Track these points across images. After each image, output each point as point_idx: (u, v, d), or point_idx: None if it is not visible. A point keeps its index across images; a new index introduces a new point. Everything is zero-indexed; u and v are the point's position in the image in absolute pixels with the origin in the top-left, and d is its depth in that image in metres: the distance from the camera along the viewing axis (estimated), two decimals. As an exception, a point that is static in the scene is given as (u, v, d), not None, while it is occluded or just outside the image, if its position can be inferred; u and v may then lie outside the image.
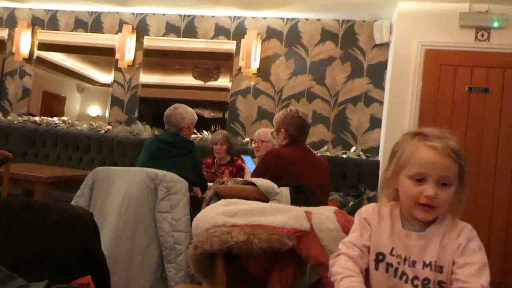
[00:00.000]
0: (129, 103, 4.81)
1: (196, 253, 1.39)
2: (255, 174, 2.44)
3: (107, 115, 4.87)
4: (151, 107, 4.80)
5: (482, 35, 3.66)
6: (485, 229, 3.48)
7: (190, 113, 2.85)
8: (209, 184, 2.75)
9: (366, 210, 1.19)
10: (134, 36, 4.76)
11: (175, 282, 2.21)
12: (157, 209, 2.24)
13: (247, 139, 4.38)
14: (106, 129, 4.68)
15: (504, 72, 3.66)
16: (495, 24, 3.60)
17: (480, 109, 3.68)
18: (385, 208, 1.17)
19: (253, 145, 3.66)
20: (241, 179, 2.23)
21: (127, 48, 4.72)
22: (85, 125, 4.75)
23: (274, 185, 2.04)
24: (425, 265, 1.07)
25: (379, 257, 1.12)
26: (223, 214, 1.44)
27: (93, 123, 4.74)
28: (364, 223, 1.16)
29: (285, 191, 2.00)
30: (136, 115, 4.77)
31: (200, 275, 1.45)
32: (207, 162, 3.61)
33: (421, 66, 3.74)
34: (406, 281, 1.08)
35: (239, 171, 3.48)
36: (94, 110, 4.97)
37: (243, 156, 3.41)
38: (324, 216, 1.43)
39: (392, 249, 1.11)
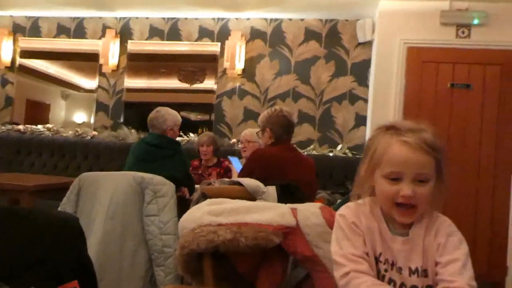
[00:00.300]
0: (114, 108, 4.78)
1: (183, 253, 1.40)
2: (241, 174, 2.45)
3: (92, 121, 4.83)
4: (137, 111, 4.77)
5: (463, 32, 3.72)
6: (470, 224, 3.53)
7: (172, 115, 2.85)
8: (196, 186, 2.76)
9: (349, 213, 1.10)
10: (117, 41, 4.74)
11: (165, 285, 2.20)
12: (145, 212, 2.24)
13: (234, 140, 4.39)
14: (91, 135, 4.64)
15: (485, 68, 3.72)
16: (475, 21, 3.67)
17: (462, 105, 3.73)
18: (363, 207, 1.10)
19: (239, 146, 3.66)
20: (228, 179, 2.24)
21: (111, 53, 4.70)
22: (70, 132, 4.71)
23: (261, 185, 2.05)
24: (411, 271, 1.03)
25: None
26: (209, 213, 1.44)
27: (78, 129, 4.70)
28: (354, 229, 1.07)
29: (271, 190, 2.01)
30: (121, 120, 4.74)
31: (189, 276, 1.45)
32: (194, 164, 3.61)
33: (404, 64, 3.79)
34: None
35: (226, 172, 3.48)
36: (79, 116, 4.93)
37: (230, 157, 3.42)
38: (310, 212, 1.44)
39: (380, 254, 1.06)
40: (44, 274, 1.16)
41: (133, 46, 4.76)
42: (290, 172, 2.38)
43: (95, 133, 4.68)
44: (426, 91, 3.78)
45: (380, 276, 1.04)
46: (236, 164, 3.30)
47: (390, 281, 1.04)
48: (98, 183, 2.32)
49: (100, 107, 4.80)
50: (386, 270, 1.04)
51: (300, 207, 1.48)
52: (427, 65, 3.79)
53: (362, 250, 1.05)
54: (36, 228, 1.27)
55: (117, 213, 2.20)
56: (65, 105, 4.98)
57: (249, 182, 2.07)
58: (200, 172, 3.53)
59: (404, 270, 1.03)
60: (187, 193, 2.71)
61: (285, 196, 2.01)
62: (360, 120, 4.27)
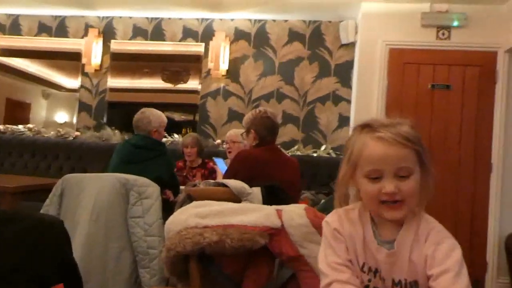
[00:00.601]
0: (97, 108, 4.73)
1: (169, 255, 1.40)
2: (226, 175, 2.45)
3: (75, 121, 4.77)
4: (120, 111, 4.73)
5: (443, 34, 3.79)
6: (451, 221, 3.61)
7: (157, 116, 2.85)
8: (181, 187, 2.75)
9: (334, 220, 1.07)
10: (100, 40, 4.69)
11: (150, 287, 2.20)
12: (129, 214, 2.23)
13: (218, 141, 4.39)
14: (74, 136, 4.59)
15: (465, 69, 3.80)
16: (455, 23, 3.74)
17: (443, 105, 3.81)
18: (353, 213, 1.07)
19: (224, 147, 3.66)
20: (213, 181, 2.25)
21: (93, 52, 4.65)
22: (52, 132, 4.64)
23: (246, 186, 2.06)
24: (394, 283, 1.00)
25: None
26: (195, 216, 1.45)
27: (60, 129, 4.64)
28: (336, 235, 1.05)
29: (256, 191, 2.03)
30: (104, 120, 4.69)
31: (175, 278, 1.46)
32: (179, 166, 3.60)
33: (386, 65, 3.85)
34: None
35: (211, 173, 3.48)
36: (61, 116, 4.86)
37: (214, 159, 3.42)
38: (294, 213, 1.46)
39: (364, 264, 1.03)
40: (28, 278, 1.15)
41: (116, 45, 4.72)
42: (275, 173, 2.40)
43: (77, 133, 4.62)
44: (407, 91, 3.84)
45: (363, 286, 1.02)
46: (221, 165, 3.31)
47: None
48: (82, 185, 2.30)
49: (83, 107, 4.75)
50: (370, 280, 1.02)
51: (285, 208, 1.50)
52: (408, 66, 3.86)
53: (345, 258, 1.03)
54: (20, 231, 1.26)
55: (101, 215, 2.19)
56: (46, 104, 4.91)
57: (234, 184, 2.08)
58: (184, 173, 3.53)
59: (387, 280, 1.01)
60: (171, 196, 2.71)
61: (269, 197, 2.03)
62: (344, 121, 4.32)
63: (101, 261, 2.16)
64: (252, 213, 1.47)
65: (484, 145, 3.75)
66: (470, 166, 3.76)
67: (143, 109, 2.86)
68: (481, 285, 3.60)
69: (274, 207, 1.53)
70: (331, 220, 1.08)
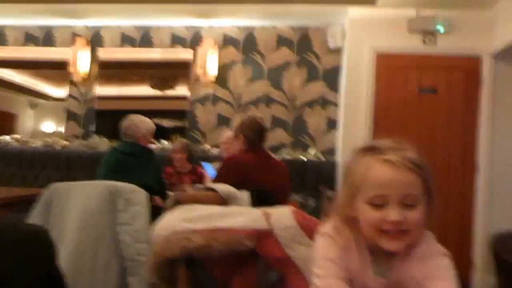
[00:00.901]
0: (86, 117, 4.70)
1: (157, 261, 1.39)
2: (215, 180, 2.45)
3: (63, 130, 4.73)
4: (109, 119, 4.70)
5: (429, 40, 3.84)
6: (439, 222, 3.63)
7: (145, 123, 2.84)
8: (171, 193, 2.74)
9: (329, 227, 0.99)
10: (88, 49, 4.67)
11: (139, 295, 2.17)
12: (118, 221, 2.21)
13: (208, 146, 4.38)
14: (62, 145, 4.55)
15: (451, 73, 3.85)
16: (441, 29, 3.80)
17: (430, 109, 3.85)
18: (347, 232, 0.97)
19: (217, 150, 3.64)
20: (201, 185, 2.24)
21: (81, 61, 4.62)
22: (39, 142, 4.60)
23: (234, 190, 2.06)
24: None
25: None
26: (182, 220, 1.44)
27: (48, 139, 4.59)
28: (330, 241, 0.98)
29: (245, 195, 2.02)
30: (93, 129, 4.66)
31: (163, 284, 1.45)
32: (168, 171, 3.58)
33: (374, 70, 3.88)
34: None
35: (200, 179, 3.47)
36: (49, 126, 4.82)
37: (203, 163, 3.41)
38: (282, 215, 1.46)
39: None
40: None
41: (104, 53, 4.70)
42: (264, 178, 2.40)
43: (66, 142, 4.58)
44: (395, 96, 3.88)
45: None
46: (209, 170, 3.30)
47: None
48: (69, 193, 2.28)
49: (71, 116, 4.71)
50: None
51: (273, 210, 1.50)
52: (395, 71, 3.90)
53: (342, 268, 0.95)
54: (4, 242, 1.24)
55: (89, 223, 2.16)
56: (33, 114, 4.87)
57: (222, 188, 2.07)
58: (174, 179, 3.51)
59: None
60: (160, 202, 2.69)
61: (258, 202, 2.03)
62: (332, 125, 4.34)
63: (90, 270, 2.13)
64: (240, 216, 1.47)
65: (471, 147, 3.79)
66: (457, 168, 3.80)
67: (131, 116, 2.85)
68: (468, 285, 3.62)
69: (261, 209, 1.52)
70: (327, 228, 1.00)
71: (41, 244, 1.25)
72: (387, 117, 3.85)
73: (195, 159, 3.69)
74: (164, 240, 1.39)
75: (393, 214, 0.88)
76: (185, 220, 1.42)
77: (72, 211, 2.23)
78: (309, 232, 1.40)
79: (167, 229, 1.41)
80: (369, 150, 0.94)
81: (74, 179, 4.13)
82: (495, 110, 3.74)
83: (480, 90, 3.79)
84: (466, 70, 3.84)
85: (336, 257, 0.96)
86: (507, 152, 3.69)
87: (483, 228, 3.68)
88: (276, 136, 4.37)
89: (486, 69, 3.76)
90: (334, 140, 4.32)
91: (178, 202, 2.01)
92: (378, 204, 0.89)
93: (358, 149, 0.97)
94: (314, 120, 4.36)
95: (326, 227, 1.01)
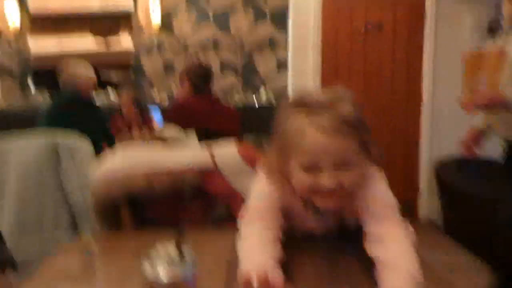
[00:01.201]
0: (22, 74, 4.40)
1: (98, 204, 1.36)
2: (163, 126, 2.40)
3: (-2, 88, 4.43)
4: (48, 76, 4.43)
5: (375, -24, 3.80)
6: (386, 152, 3.80)
7: (83, 69, 2.67)
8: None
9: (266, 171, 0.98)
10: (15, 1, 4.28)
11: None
12: (62, 172, 2.13)
13: (156, 95, 4.26)
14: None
15: (395, 9, 3.87)
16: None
17: (375, 46, 3.89)
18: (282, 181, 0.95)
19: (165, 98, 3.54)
20: (150, 135, 2.18)
21: (8, 15, 4.24)
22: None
23: (181, 133, 2.02)
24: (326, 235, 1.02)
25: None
26: (123, 162, 1.40)
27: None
28: (268, 180, 0.97)
29: (191, 135, 1.99)
30: (31, 86, 4.38)
31: (107, 227, 1.42)
32: (116, 122, 3.46)
33: (320, 9, 3.84)
34: None
35: (150, 128, 3.39)
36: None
37: (150, 107, 3.30)
38: (226, 150, 1.45)
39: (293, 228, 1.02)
40: None
41: (35, 4, 4.32)
42: (211, 122, 2.37)
43: (2, 102, 4.30)
44: (342, 34, 3.88)
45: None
46: (156, 114, 3.22)
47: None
48: (6, 148, 2.16)
49: (5, 74, 4.39)
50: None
51: (216, 146, 1.48)
52: (342, 9, 3.87)
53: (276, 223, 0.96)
54: None
55: (30, 174, 2.07)
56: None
57: (171, 134, 2.04)
58: (122, 128, 3.41)
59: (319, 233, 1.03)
60: (107, 149, 2.62)
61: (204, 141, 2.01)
62: (282, 66, 4.30)
63: (37, 221, 2.07)
64: (183, 154, 1.45)
65: (415, 81, 3.91)
66: (403, 102, 3.93)
67: (68, 62, 2.66)
68: (413, 208, 3.89)
69: (205, 147, 1.50)
70: (268, 184, 0.97)
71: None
72: (335, 56, 3.87)
73: (143, 108, 3.58)
74: (105, 183, 1.35)
75: (327, 181, 0.85)
76: (125, 160, 1.38)
77: (11, 165, 2.13)
78: (254, 165, 1.40)
79: (108, 172, 1.37)
80: (301, 107, 0.87)
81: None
82: (438, 45, 3.83)
83: (424, 25, 3.85)
84: (411, 5, 3.87)
85: (273, 191, 0.96)
86: (449, 86, 3.84)
87: (428, 155, 3.90)
88: (226, 81, 4.30)
89: (429, 4, 3.80)
90: (284, 81, 4.30)
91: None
92: (311, 168, 0.86)
93: (289, 104, 0.91)
94: (264, 62, 4.31)
95: (264, 169, 0.99)
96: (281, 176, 0.93)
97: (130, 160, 1.39)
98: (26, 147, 2.10)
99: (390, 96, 3.91)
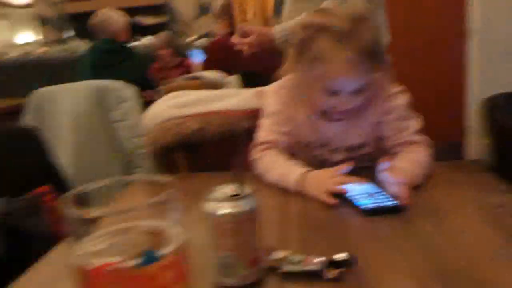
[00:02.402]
0: (59, 21, 4.42)
1: (154, 149, 1.38)
2: (204, 68, 2.38)
3: (37, 38, 4.49)
4: (85, 20, 4.43)
5: None
6: (433, 93, 3.65)
7: (117, 16, 2.66)
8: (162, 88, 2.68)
9: (276, 85, 1.11)
10: None
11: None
12: (111, 119, 2.18)
13: (193, 37, 4.21)
14: (40, 53, 4.34)
15: None
16: None
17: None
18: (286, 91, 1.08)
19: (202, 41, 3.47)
20: (189, 75, 2.18)
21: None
22: (15, 53, 4.38)
23: (223, 75, 2.00)
24: (347, 149, 1.05)
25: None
26: (173, 106, 1.41)
27: (27, 48, 4.37)
28: (274, 97, 1.11)
29: (234, 79, 1.97)
30: (71, 32, 4.41)
31: (164, 171, 1.46)
32: (155, 68, 3.47)
33: None
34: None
35: (189, 70, 3.38)
36: (23, 36, 4.56)
37: (191, 52, 3.27)
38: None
39: (309, 142, 1.09)
40: (12, 184, 1.14)
41: None
42: (252, 59, 2.32)
43: (43, 49, 4.37)
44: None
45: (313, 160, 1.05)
46: (199, 57, 3.17)
47: (324, 161, 1.05)
48: (55, 97, 2.22)
49: (44, 21, 4.43)
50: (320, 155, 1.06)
51: (266, 88, 1.46)
52: None
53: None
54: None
55: (81, 124, 2.13)
56: (3, 25, 4.58)
57: (209, 75, 2.02)
58: (162, 75, 3.41)
59: (339, 149, 1.05)
60: (152, 95, 2.64)
61: (248, 85, 1.98)
62: None
63: (91, 169, 2.16)
64: (232, 98, 1.44)
65: (461, 10, 3.63)
66: (448, 33, 3.68)
67: (101, 11, 2.65)
68: (460, 148, 3.76)
69: (254, 89, 1.48)
70: (272, 100, 1.09)
71: (32, 140, 1.25)
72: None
73: (180, 51, 3.55)
74: (157, 128, 1.36)
75: (344, 105, 0.95)
76: (176, 106, 1.39)
77: (62, 114, 2.19)
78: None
79: (158, 116, 1.38)
80: (323, 31, 0.91)
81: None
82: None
83: None
84: None
85: (278, 110, 1.06)
86: (501, 14, 3.56)
87: (476, 92, 3.70)
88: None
89: None
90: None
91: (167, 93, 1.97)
92: (331, 92, 0.94)
93: (311, 25, 0.94)
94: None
95: (272, 85, 1.11)
96: (295, 92, 1.02)
97: (182, 104, 1.40)
98: (74, 97, 2.15)
99: (435, 28, 3.67)
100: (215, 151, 1.48)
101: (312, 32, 0.93)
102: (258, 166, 1.05)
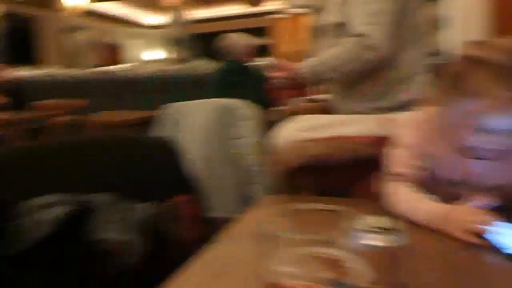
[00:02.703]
0: (186, 41, 4.80)
1: (278, 170, 1.43)
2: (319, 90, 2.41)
3: (165, 56, 4.93)
4: (206, 41, 4.77)
5: None
6: None
7: (242, 40, 2.85)
8: (283, 108, 2.79)
9: (415, 115, 1.12)
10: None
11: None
12: (231, 136, 2.30)
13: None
14: (170, 70, 4.72)
15: None
16: None
17: None
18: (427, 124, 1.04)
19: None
20: (306, 97, 2.21)
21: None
22: (146, 70, 4.84)
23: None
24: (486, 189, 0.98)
25: None
26: (301, 129, 1.44)
27: (156, 65, 4.81)
28: (410, 128, 1.10)
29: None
30: (196, 52, 4.77)
31: (282, 191, 1.49)
32: (268, 88, 3.57)
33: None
34: None
35: (301, 92, 3.42)
36: (153, 53, 5.04)
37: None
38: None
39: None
40: (155, 191, 1.25)
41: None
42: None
43: (171, 67, 4.77)
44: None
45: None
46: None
47: (458, 197, 0.97)
48: (183, 112, 2.41)
49: (171, 42, 4.85)
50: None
51: (395, 117, 1.43)
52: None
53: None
54: (141, 152, 1.36)
55: (208, 138, 2.28)
56: (135, 44, 5.11)
57: (325, 97, 2.03)
58: (274, 95, 3.51)
59: (481, 188, 0.97)
60: (275, 113, 2.76)
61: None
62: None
63: (211, 181, 2.27)
64: (360, 123, 1.43)
65: None
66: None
67: (229, 35, 2.88)
68: None
69: (377, 116, 1.47)
70: (410, 133, 1.06)
71: (172, 152, 1.37)
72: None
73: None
74: (284, 149, 1.41)
75: (497, 144, 0.87)
76: (305, 129, 1.42)
77: (186, 129, 2.37)
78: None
79: (287, 138, 1.43)
80: (482, 64, 0.84)
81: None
82: None
83: None
84: None
85: (415, 143, 1.04)
86: None
87: None
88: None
89: None
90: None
91: (294, 114, 2.02)
92: (481, 129, 0.86)
93: (467, 55, 0.90)
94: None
95: (408, 115, 1.12)
96: (438, 125, 0.97)
97: (308, 127, 1.43)
98: (203, 112, 2.32)
99: None
100: (339, 175, 1.48)
101: (468, 65, 0.89)
102: (389, 197, 1.04)
